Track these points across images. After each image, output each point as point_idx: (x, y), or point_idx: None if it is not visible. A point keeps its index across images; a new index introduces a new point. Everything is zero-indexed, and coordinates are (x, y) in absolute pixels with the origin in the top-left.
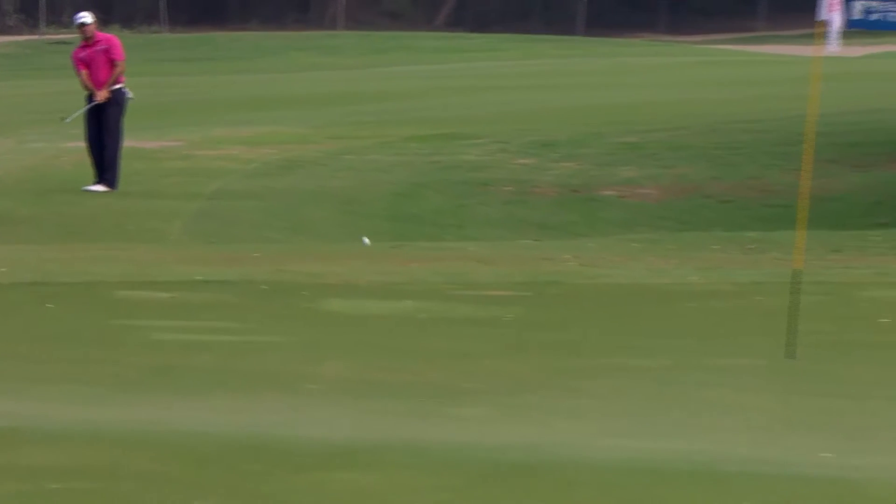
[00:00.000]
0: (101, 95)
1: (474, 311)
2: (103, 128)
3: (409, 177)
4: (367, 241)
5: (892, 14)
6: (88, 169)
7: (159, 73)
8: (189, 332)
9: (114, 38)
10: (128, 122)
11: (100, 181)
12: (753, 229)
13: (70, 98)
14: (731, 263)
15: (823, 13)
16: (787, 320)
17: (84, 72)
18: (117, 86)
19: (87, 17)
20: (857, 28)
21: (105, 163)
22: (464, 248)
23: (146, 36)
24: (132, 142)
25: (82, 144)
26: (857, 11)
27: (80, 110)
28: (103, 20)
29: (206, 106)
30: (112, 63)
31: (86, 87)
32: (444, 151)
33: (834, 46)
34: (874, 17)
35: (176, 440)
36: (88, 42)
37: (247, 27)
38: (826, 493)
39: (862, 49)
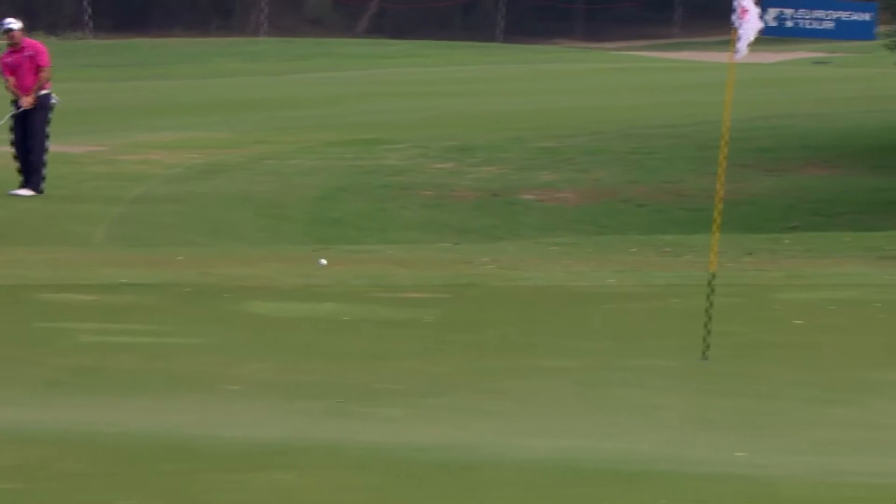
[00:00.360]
0: (27, 101)
1: (394, 314)
2: (29, 132)
3: (331, 181)
4: (323, 262)
5: (803, 21)
6: (14, 173)
7: (84, 78)
8: (112, 333)
9: (40, 44)
10: (53, 127)
11: (25, 185)
12: (669, 232)
13: None
14: (648, 266)
15: (737, 20)
16: (703, 322)
17: (10, 77)
18: (43, 91)
19: (13, 23)
20: (770, 35)
21: (31, 167)
22: (384, 251)
23: (71, 42)
24: (57, 146)
25: (8, 149)
26: (770, 18)
27: (7, 116)
28: (28, 26)
29: (129, 111)
30: (38, 69)
31: (11, 93)
32: (365, 156)
33: (740, 53)
34: (787, 23)
35: (100, 440)
36: (15, 48)
37: (170, 34)
38: (739, 490)
39: (774, 56)
